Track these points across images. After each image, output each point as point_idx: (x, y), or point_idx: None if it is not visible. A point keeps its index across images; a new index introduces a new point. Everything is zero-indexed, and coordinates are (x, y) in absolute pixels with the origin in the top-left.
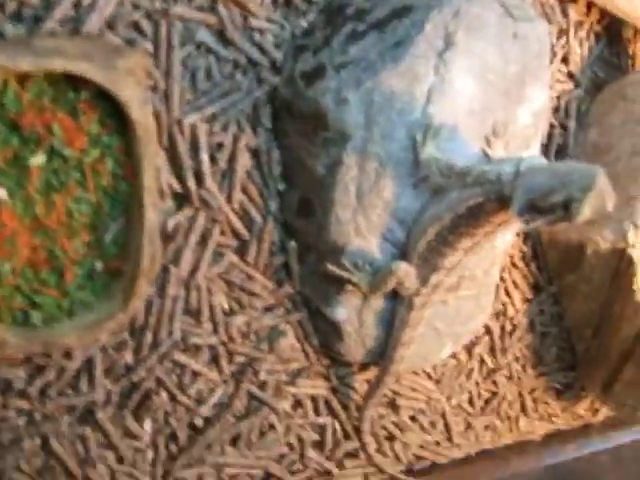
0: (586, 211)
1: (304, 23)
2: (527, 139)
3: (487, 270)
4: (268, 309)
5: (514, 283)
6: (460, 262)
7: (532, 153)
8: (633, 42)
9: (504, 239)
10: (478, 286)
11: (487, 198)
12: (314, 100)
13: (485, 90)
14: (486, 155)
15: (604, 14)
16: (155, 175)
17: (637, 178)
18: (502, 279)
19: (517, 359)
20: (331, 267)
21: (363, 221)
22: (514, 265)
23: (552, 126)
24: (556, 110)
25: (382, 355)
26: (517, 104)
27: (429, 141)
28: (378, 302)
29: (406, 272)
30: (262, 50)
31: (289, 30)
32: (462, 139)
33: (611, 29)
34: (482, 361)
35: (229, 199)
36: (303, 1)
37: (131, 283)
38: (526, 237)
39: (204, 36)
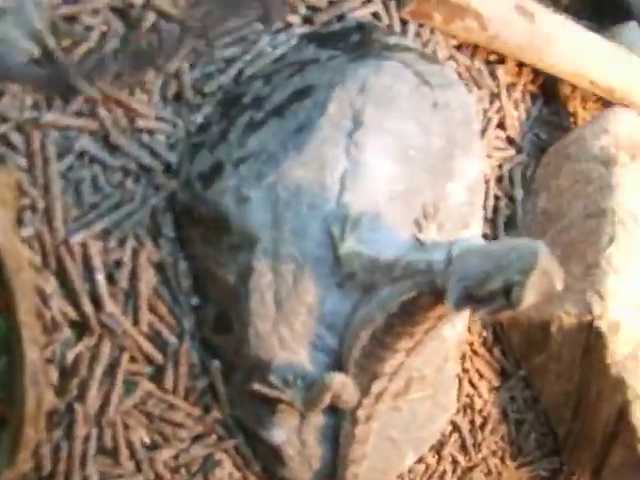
0: (529, 296)
1: (199, 118)
2: (464, 217)
3: (440, 367)
4: (197, 438)
5: (478, 372)
6: (403, 365)
7: (472, 232)
8: (572, 99)
9: (455, 330)
10: (432, 385)
11: (419, 291)
12: (213, 202)
13: (407, 169)
14: (418, 241)
15: (537, 73)
16: (31, 308)
17: (594, 243)
18: (464, 370)
19: (494, 453)
20: (258, 386)
21: (286, 331)
22: (475, 353)
23: (497, 198)
24: (499, 180)
25: (332, 476)
26: (446, 180)
27: (348, 234)
28: (318, 419)
29: (342, 384)
30: (153, 153)
31: (182, 127)
32: (387, 227)
33: (546, 88)
34: (454, 461)
35: (136, 321)
36: (196, 94)
37: (17, 432)
38: (483, 321)
39: (85, 144)
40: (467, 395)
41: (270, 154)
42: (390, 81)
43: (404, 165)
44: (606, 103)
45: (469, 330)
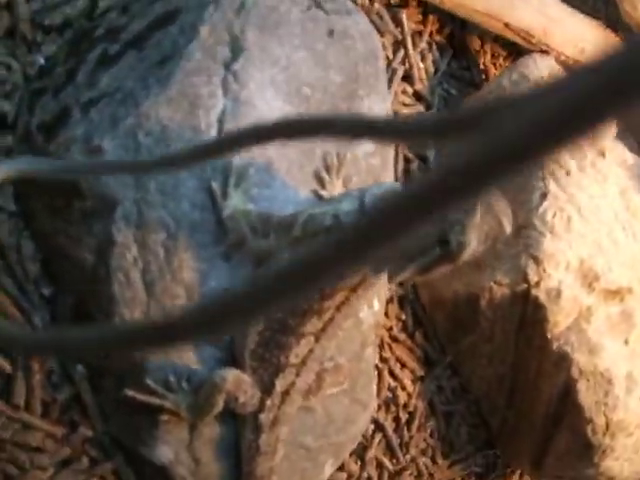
0: (473, 237)
1: (40, 59)
2: (374, 171)
3: (357, 354)
4: (64, 464)
5: (399, 361)
6: (312, 353)
7: None
8: (482, 54)
9: (371, 310)
10: (349, 377)
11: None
12: (57, 157)
13: (302, 109)
14: (321, 199)
15: (442, 22)
16: None
17: (524, 201)
18: (383, 359)
19: (423, 452)
20: (133, 393)
21: None
22: (395, 339)
23: (408, 160)
24: None
25: None
26: None
27: (232, 190)
28: (212, 429)
29: (237, 382)
30: None
31: (19, 70)
32: (281, 180)
33: (454, 40)
34: (380, 465)
35: None
36: (35, 29)
37: None
38: (402, 302)
39: None
40: (389, 388)
41: (127, 92)
42: (275, 0)
43: (297, 104)
44: (517, 59)
45: (386, 314)
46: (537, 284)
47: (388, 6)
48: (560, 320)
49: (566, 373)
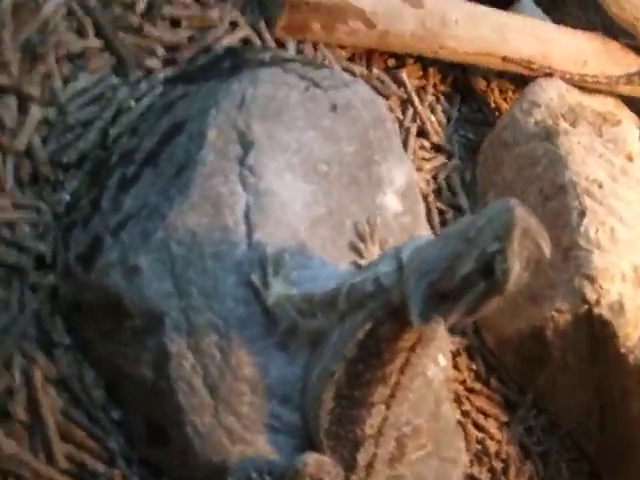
0: (515, 264)
1: (66, 196)
2: (408, 228)
3: (434, 413)
4: None
5: (480, 411)
6: (386, 421)
7: None
8: (489, 93)
9: (438, 366)
10: (431, 438)
11: (376, 319)
12: (98, 285)
13: (323, 186)
14: (360, 268)
15: (444, 72)
16: None
17: (564, 224)
18: (463, 413)
19: None
20: None
21: (232, 420)
22: (471, 390)
23: (442, 212)
24: (439, 192)
25: None
26: (374, 190)
27: (272, 279)
28: None
29: (318, 464)
30: (20, 248)
31: (48, 211)
32: (318, 260)
33: (460, 85)
34: None
35: (49, 458)
36: (55, 169)
37: None
38: (470, 351)
39: None
40: (476, 441)
41: (152, 208)
42: (272, 89)
43: (317, 182)
44: (524, 87)
45: (456, 367)
46: (597, 302)
47: (387, 69)
48: (630, 332)
49: None
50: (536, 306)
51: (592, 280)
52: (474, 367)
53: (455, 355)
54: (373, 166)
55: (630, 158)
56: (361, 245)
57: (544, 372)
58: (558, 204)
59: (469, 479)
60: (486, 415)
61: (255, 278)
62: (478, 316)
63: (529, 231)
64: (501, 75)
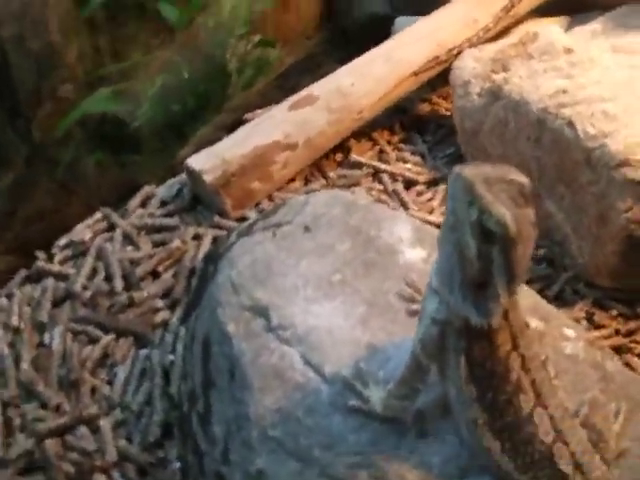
0: (501, 208)
1: (175, 464)
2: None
3: (602, 377)
4: None
5: None
6: (554, 419)
7: None
8: (436, 106)
9: (569, 339)
10: (615, 397)
11: (463, 350)
12: None
13: (346, 290)
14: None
15: (386, 125)
16: None
17: (568, 145)
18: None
19: None
20: None
21: None
22: (630, 333)
23: None
24: None
25: None
26: (392, 257)
27: (366, 391)
28: None
29: None
30: None
31: None
32: (389, 347)
33: (408, 124)
34: None
35: None
36: (152, 451)
37: None
38: (599, 304)
39: None
40: None
41: (235, 419)
42: (248, 257)
43: (341, 291)
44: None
45: (600, 326)
46: None
47: (340, 164)
48: None
49: None
50: (607, 225)
51: (626, 163)
52: (614, 313)
53: (589, 318)
54: (375, 242)
55: (568, 51)
56: (416, 306)
57: None
58: (548, 135)
59: None
60: None
61: (353, 402)
62: (522, 271)
63: (489, 178)
64: (431, 86)
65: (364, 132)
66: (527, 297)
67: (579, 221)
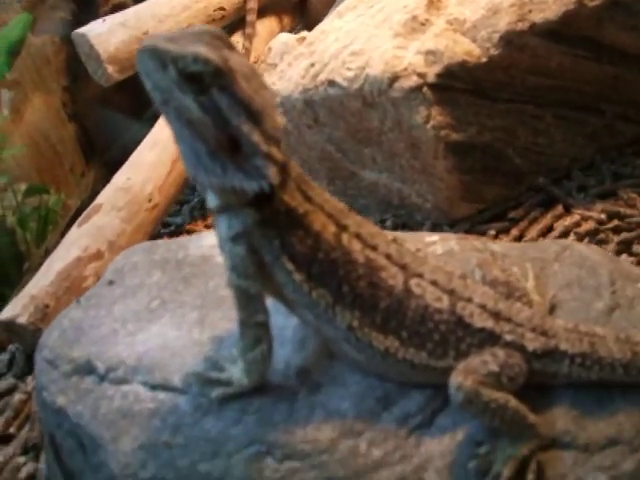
0: (186, 50)
1: None
2: None
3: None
4: None
5: None
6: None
7: None
8: None
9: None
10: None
11: (269, 247)
12: None
13: None
14: None
15: None
16: None
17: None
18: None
19: None
20: None
21: None
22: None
23: None
24: None
25: None
26: None
27: (223, 374)
28: None
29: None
30: None
31: None
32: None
33: None
34: None
35: None
36: None
37: None
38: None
39: None
40: None
41: None
42: None
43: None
44: None
45: None
46: None
47: None
48: None
49: None
50: (422, 149)
51: (395, 76)
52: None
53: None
54: (186, 260)
55: (302, 39)
56: None
57: None
58: (322, 110)
59: None
60: None
61: (216, 391)
62: (263, 108)
63: (172, 38)
64: None
65: None
66: None
67: (400, 168)
